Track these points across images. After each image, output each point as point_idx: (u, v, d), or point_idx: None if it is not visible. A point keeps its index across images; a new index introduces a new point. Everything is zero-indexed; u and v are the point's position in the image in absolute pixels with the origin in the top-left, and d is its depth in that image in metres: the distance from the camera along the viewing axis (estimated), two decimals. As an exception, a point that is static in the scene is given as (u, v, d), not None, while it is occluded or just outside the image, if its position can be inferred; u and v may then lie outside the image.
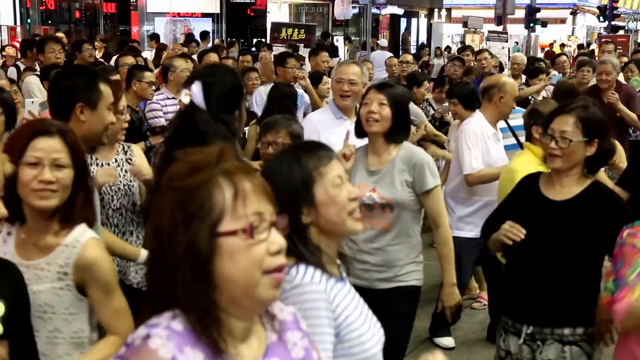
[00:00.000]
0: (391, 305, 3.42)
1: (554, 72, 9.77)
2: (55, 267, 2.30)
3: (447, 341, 5.23)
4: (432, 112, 7.29)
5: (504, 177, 4.18)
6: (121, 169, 3.57)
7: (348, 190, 2.06)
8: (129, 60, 7.44)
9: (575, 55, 12.96)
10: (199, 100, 2.79)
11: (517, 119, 5.48)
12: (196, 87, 2.80)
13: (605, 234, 2.87)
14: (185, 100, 2.85)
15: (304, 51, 11.59)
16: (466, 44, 16.01)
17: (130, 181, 3.58)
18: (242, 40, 20.32)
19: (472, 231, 4.86)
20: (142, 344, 1.32)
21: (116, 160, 3.60)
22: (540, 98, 7.74)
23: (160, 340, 1.31)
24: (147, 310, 1.39)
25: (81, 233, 2.34)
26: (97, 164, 3.52)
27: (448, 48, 20.53)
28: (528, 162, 3.87)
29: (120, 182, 3.53)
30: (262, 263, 1.36)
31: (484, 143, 4.87)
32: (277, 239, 1.39)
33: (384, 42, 20.70)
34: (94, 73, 3.03)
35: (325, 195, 2.01)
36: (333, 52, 14.88)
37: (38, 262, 2.29)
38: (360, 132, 3.62)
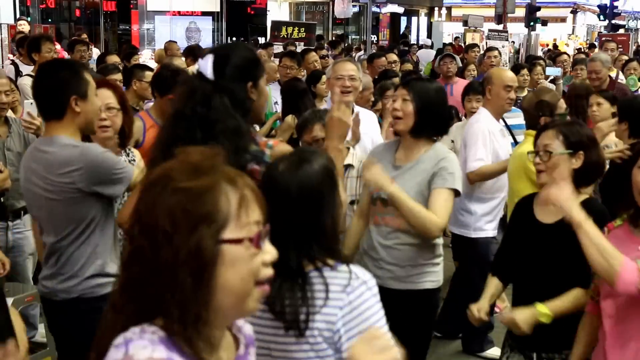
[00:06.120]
0: (405, 310, 3.27)
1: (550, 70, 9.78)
2: None
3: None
4: None
5: (516, 163, 4.22)
6: None
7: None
8: (115, 59, 7.45)
9: (573, 54, 12.99)
10: (206, 70, 2.65)
11: (514, 117, 5.50)
12: (206, 58, 2.68)
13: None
14: (193, 68, 2.80)
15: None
16: (467, 42, 16.03)
17: None
18: (242, 39, 20.32)
19: (495, 229, 4.81)
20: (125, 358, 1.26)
21: None
22: (524, 93, 7.71)
23: (144, 352, 1.25)
24: (125, 316, 1.32)
25: None
26: None
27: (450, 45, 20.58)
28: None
29: None
30: (257, 273, 1.35)
31: (493, 141, 4.77)
32: (271, 249, 1.38)
33: (427, 41, 20.83)
34: (75, 63, 3.21)
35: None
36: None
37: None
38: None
